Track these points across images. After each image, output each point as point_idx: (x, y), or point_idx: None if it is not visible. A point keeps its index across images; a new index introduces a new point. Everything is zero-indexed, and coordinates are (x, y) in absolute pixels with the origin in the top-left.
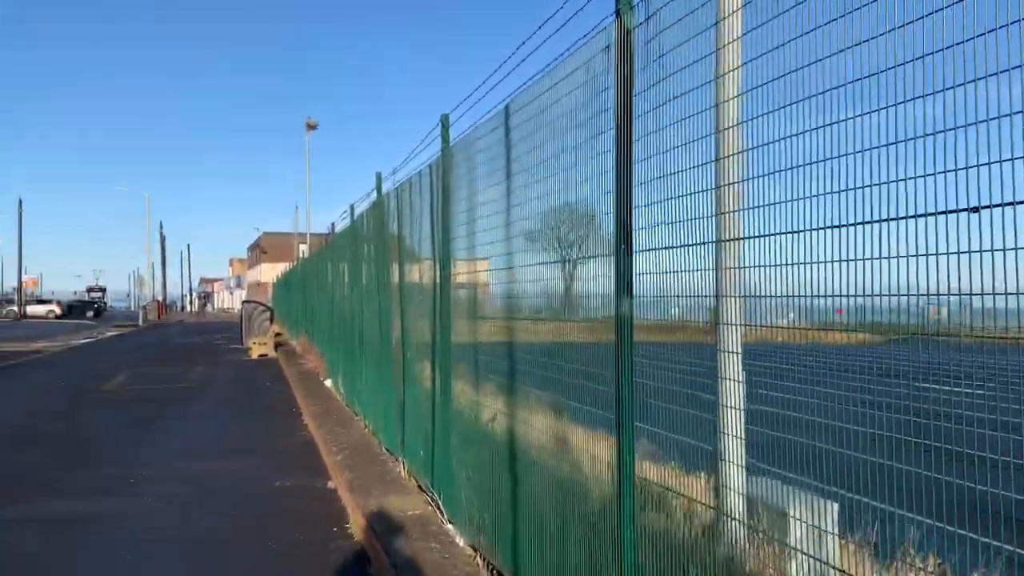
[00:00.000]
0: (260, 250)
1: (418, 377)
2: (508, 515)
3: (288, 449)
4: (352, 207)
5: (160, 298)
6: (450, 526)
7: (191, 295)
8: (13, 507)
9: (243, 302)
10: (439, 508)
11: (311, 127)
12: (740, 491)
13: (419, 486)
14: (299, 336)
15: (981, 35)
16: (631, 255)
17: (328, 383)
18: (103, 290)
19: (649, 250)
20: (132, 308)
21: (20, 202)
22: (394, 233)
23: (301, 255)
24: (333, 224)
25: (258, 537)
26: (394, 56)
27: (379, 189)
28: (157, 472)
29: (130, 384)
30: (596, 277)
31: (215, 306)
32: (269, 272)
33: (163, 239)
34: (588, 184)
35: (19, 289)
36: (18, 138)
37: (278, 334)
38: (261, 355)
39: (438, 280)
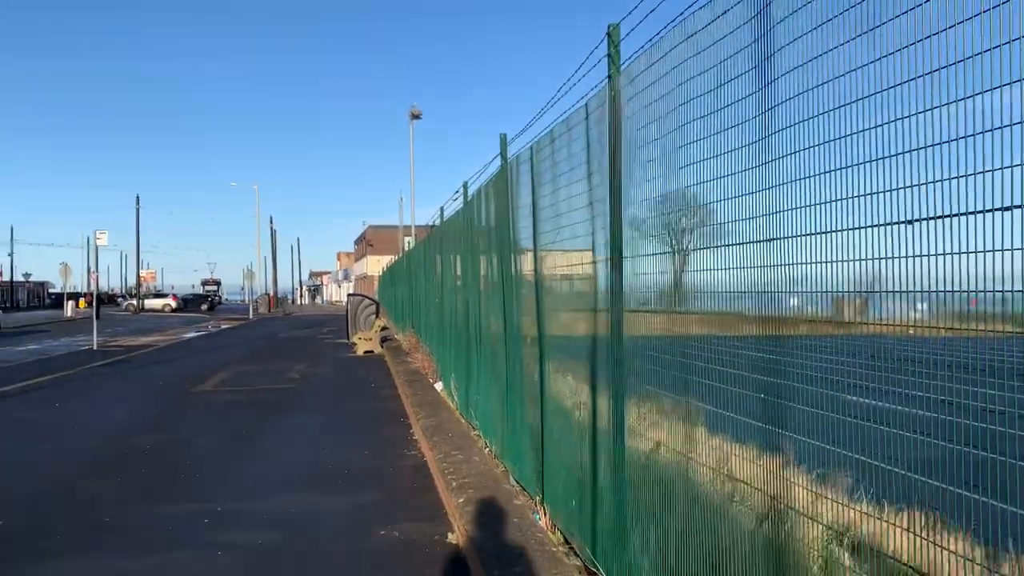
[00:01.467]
0: (366, 243)
1: (564, 396)
2: None
3: (396, 477)
4: (465, 185)
5: (271, 291)
6: None
7: (301, 288)
8: (47, 565)
9: (348, 295)
10: None
11: (415, 116)
12: None
13: (567, 543)
14: (405, 331)
15: None
16: None
17: (439, 387)
18: (218, 283)
19: None
20: (246, 301)
21: (138, 198)
22: (525, 208)
23: (406, 247)
24: (442, 208)
25: None
26: (508, 48)
27: (504, 154)
28: (238, 509)
29: (228, 385)
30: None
31: (324, 299)
32: (375, 265)
33: (273, 233)
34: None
35: (137, 283)
36: (139, 135)
37: (384, 328)
38: (367, 351)
39: (606, 268)
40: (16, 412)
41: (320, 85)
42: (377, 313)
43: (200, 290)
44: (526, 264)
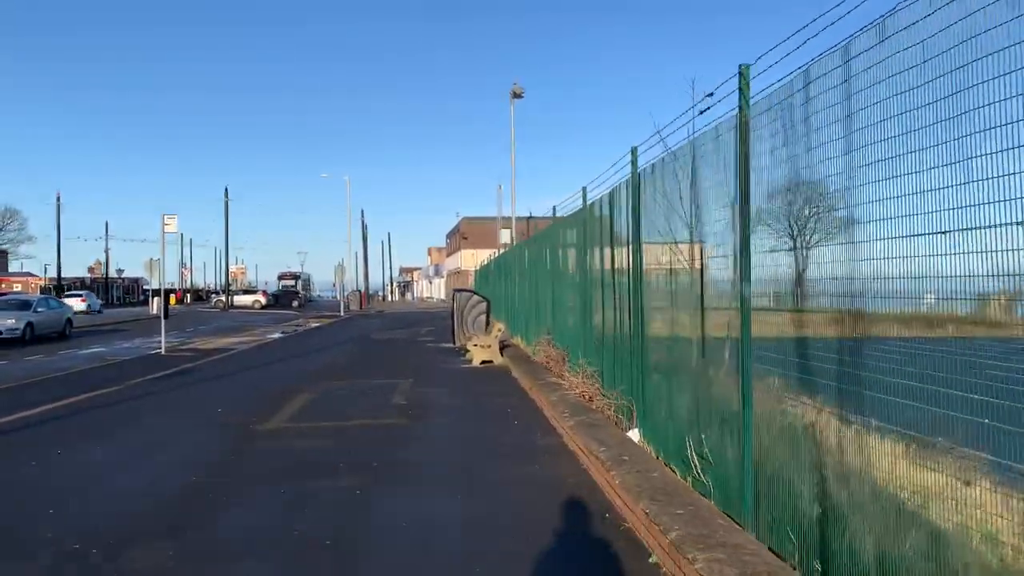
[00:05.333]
0: (460, 236)
1: None
2: None
3: None
4: (744, 71)
5: (362, 288)
6: None
7: (392, 284)
8: None
9: (454, 291)
10: None
11: (517, 95)
12: None
13: None
14: (533, 340)
15: None
16: None
17: (635, 437)
18: (296, 277)
19: None
20: (336, 297)
21: (226, 191)
22: None
23: (510, 241)
24: (634, 150)
25: None
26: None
27: None
28: None
29: (308, 417)
30: None
31: (415, 295)
32: (470, 259)
33: (364, 228)
34: None
35: (226, 279)
36: (232, 128)
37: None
38: (484, 362)
39: None
40: None
41: (410, 68)
42: (488, 312)
43: (276, 285)
44: None
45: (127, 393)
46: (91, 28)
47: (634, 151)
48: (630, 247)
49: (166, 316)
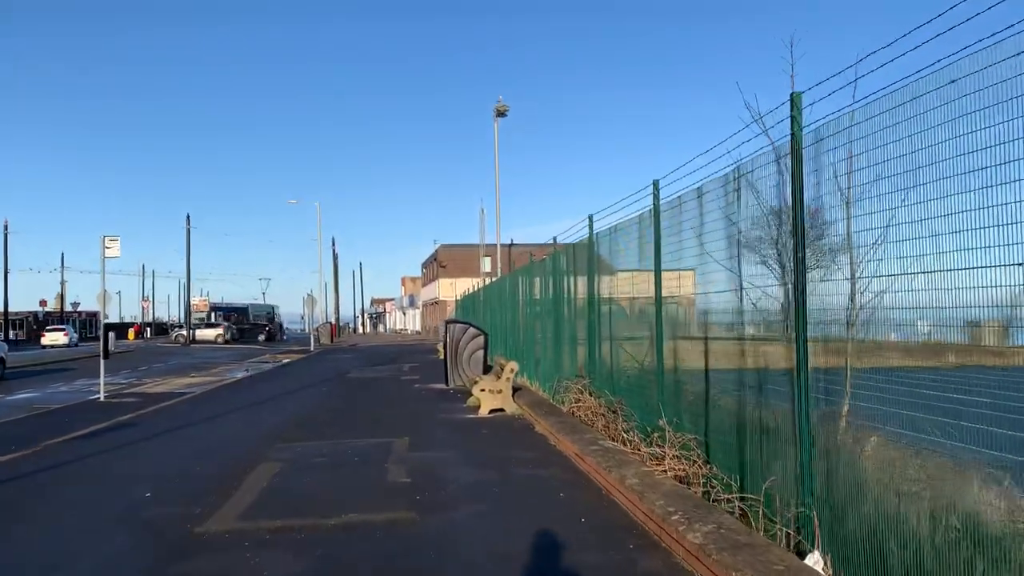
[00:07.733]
0: (438, 264)
1: None
2: None
3: None
4: None
5: (333, 320)
6: None
7: (363, 316)
8: None
9: (446, 322)
10: None
11: (500, 113)
12: None
13: None
14: (558, 380)
15: None
16: None
17: (818, 565)
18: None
19: None
20: (305, 330)
21: (188, 217)
22: None
23: (492, 269)
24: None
25: None
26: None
27: None
28: None
29: (271, 509)
30: None
31: (387, 327)
32: (448, 288)
33: (335, 256)
34: None
35: (187, 311)
36: (196, 156)
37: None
38: (494, 410)
39: None
40: None
41: (381, 91)
42: (487, 348)
43: (260, 318)
44: None
45: (33, 463)
46: (46, 53)
47: (795, 98)
48: (796, 249)
49: (106, 355)
